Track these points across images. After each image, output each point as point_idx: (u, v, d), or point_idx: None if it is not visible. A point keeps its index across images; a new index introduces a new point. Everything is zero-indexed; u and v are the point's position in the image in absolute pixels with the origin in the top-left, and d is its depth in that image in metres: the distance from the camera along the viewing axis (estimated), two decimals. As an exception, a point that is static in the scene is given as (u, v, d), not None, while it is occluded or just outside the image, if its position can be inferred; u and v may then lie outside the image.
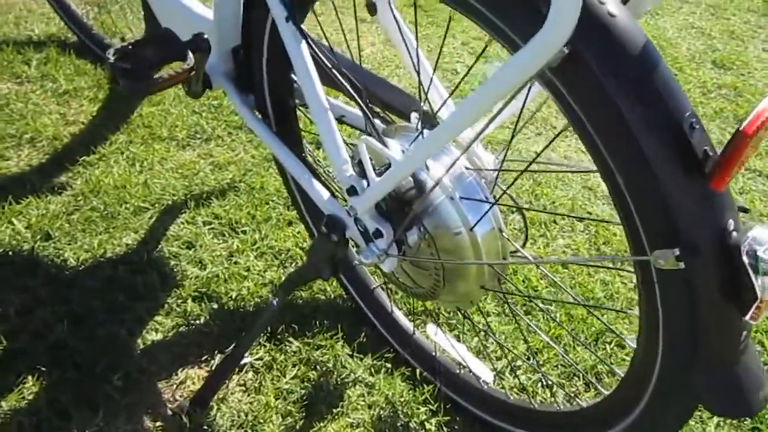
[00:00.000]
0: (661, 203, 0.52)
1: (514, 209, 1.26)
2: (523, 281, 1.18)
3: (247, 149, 1.43)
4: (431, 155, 0.69)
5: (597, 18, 0.50)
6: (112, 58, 0.83)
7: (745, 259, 0.51)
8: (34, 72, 1.56)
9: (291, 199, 1.13)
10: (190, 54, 0.87)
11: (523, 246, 0.81)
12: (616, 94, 0.51)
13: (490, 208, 0.69)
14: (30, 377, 0.93)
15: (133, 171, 1.33)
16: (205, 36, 0.91)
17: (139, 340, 1.01)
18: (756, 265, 0.50)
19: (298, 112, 1.01)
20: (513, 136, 0.77)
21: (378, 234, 0.73)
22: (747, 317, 0.52)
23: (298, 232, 1.23)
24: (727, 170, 0.49)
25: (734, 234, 0.52)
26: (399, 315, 1.05)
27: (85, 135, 1.41)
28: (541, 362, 1.04)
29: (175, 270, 1.14)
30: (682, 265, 0.52)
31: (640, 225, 0.55)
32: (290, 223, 1.25)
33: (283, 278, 1.13)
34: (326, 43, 0.91)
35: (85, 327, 1.01)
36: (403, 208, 0.72)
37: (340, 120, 0.99)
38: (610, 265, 1.15)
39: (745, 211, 0.56)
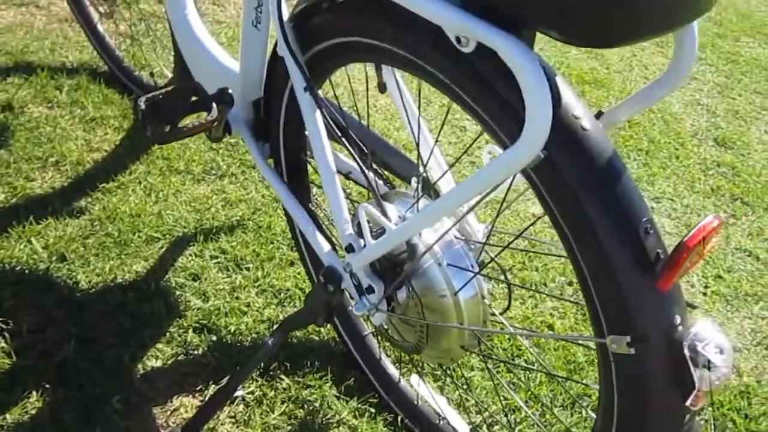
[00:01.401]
0: (618, 295, 0.60)
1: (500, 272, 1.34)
2: (508, 339, 1.25)
3: (258, 188, 1.52)
4: (422, 229, 0.77)
5: (571, 131, 0.59)
6: (143, 106, 0.93)
7: (686, 352, 0.58)
8: (64, 98, 1.67)
9: (294, 243, 1.21)
10: (215, 106, 0.97)
11: (505, 312, 0.88)
12: (583, 199, 0.59)
13: (473, 277, 0.77)
14: (35, 393, 1.00)
15: (148, 201, 1.42)
16: (230, 90, 1.00)
17: (141, 366, 1.09)
18: (696, 358, 0.58)
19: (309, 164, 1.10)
20: (498, 214, 0.85)
21: (370, 290, 0.81)
22: (687, 403, 0.59)
23: (299, 273, 1.31)
24: (671, 275, 0.57)
25: (679, 328, 0.60)
26: (387, 362, 1.12)
27: (107, 162, 1.51)
28: (518, 420, 1.11)
29: (179, 300, 1.22)
30: (632, 351, 0.60)
31: (600, 311, 0.62)
32: (292, 264, 1.33)
33: (281, 319, 1.20)
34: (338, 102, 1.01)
35: (92, 349, 1.09)
36: (395, 268, 0.80)
37: (347, 176, 1.08)
38: (579, 341, 1.21)
39: (693, 307, 0.64)
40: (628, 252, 0.59)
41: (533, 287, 1.37)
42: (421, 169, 0.86)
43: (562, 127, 0.58)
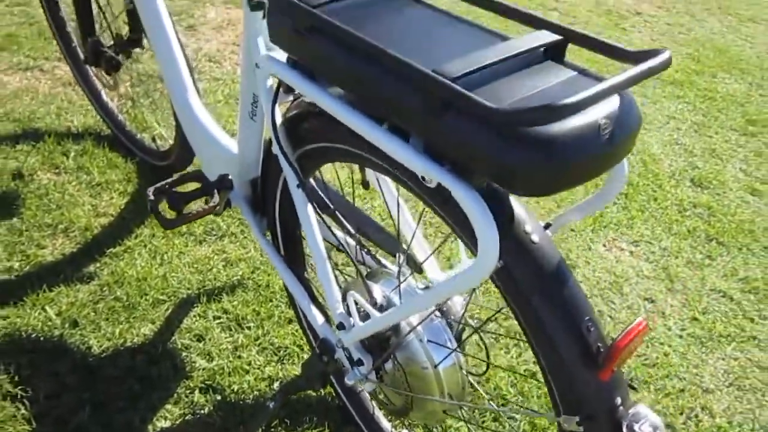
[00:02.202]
0: (568, 382, 0.70)
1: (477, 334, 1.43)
2: (494, 389, 1.34)
3: (257, 247, 1.62)
4: (404, 318, 0.87)
5: (523, 245, 0.70)
6: (151, 196, 1.03)
7: (625, 430, 0.68)
8: (71, 163, 1.78)
9: (292, 307, 1.31)
10: (216, 193, 1.07)
11: (484, 373, 0.98)
12: (535, 303, 0.69)
13: (451, 352, 0.87)
14: (55, 458, 1.09)
15: (154, 263, 1.52)
16: (229, 176, 1.11)
17: (150, 427, 1.18)
18: (634, 436, 0.68)
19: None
20: (473, 291, 0.96)
21: (360, 362, 0.90)
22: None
23: (296, 331, 1.40)
24: (609, 368, 0.68)
25: (620, 409, 0.70)
26: (380, 417, 1.22)
27: (113, 227, 1.61)
28: (504, 468, 1.20)
29: (185, 361, 1.31)
30: (581, 429, 0.70)
31: (555, 393, 0.72)
32: (290, 321, 1.43)
33: (281, 376, 1.30)
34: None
35: (104, 413, 1.18)
36: (381, 344, 0.90)
37: (339, 248, 1.19)
38: (536, 417, 1.29)
39: (634, 389, 0.75)
40: (574, 347, 0.69)
41: (517, 336, 1.46)
42: (402, 258, 0.97)
43: (515, 242, 0.69)
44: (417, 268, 1.01)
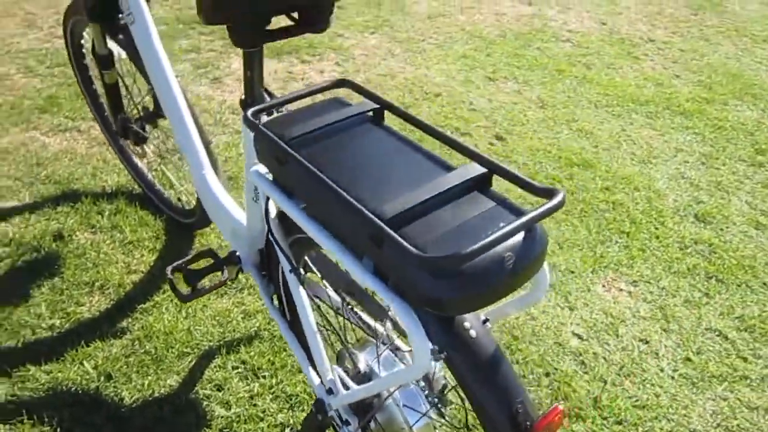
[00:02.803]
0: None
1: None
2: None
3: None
4: (382, 389, 1.00)
5: (462, 338, 0.82)
6: (169, 274, 1.19)
7: None
8: (106, 222, 1.97)
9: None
10: (226, 269, 1.23)
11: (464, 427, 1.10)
12: (473, 388, 0.82)
13: (423, 415, 0.99)
14: (92, 503, 1.25)
15: (180, 317, 1.68)
16: (237, 254, 1.27)
17: (175, 474, 1.33)
18: None
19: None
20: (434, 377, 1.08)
21: (348, 423, 1.04)
22: None
23: (306, 379, 1.54)
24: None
25: None
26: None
27: (144, 283, 1.78)
28: None
29: (206, 410, 1.47)
30: None
31: None
32: (300, 371, 1.57)
33: (292, 423, 1.44)
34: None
35: (135, 461, 1.34)
36: (365, 407, 1.03)
37: (337, 312, 1.33)
38: None
39: None
40: (508, 425, 0.81)
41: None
42: (386, 327, 1.10)
43: (456, 337, 0.82)
44: (402, 332, 1.14)
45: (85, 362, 1.54)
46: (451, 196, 0.82)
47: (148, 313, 1.69)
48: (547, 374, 1.62)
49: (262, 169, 0.99)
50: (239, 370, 1.57)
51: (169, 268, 1.20)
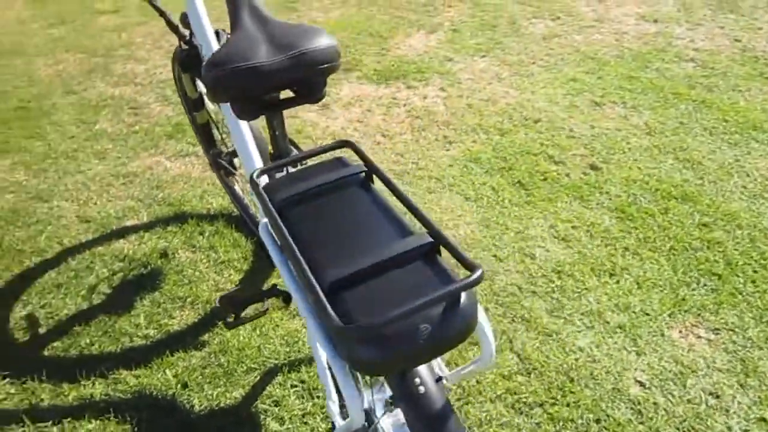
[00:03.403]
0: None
1: None
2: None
3: (338, 322, 1.89)
4: None
5: (411, 393, 0.88)
6: (218, 303, 1.35)
7: None
8: (205, 242, 2.21)
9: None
10: (266, 301, 1.37)
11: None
12: None
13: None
14: (152, 497, 1.44)
15: (253, 335, 1.86)
16: (278, 287, 1.40)
17: (225, 479, 1.49)
18: None
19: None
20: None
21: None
22: None
23: (358, 403, 1.65)
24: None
25: None
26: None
27: (228, 300, 1.98)
28: None
29: (263, 423, 1.62)
30: None
31: None
32: (354, 394, 1.68)
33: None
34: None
35: (192, 464, 1.52)
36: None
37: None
38: None
39: None
40: None
41: None
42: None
43: (405, 391, 0.88)
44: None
45: (167, 370, 1.76)
46: (397, 263, 0.88)
47: (227, 331, 1.88)
48: (598, 421, 1.59)
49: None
50: (297, 388, 1.71)
51: (218, 298, 1.36)
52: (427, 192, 2.43)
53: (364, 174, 1.07)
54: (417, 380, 0.89)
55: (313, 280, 0.84)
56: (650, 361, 1.74)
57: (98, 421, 1.62)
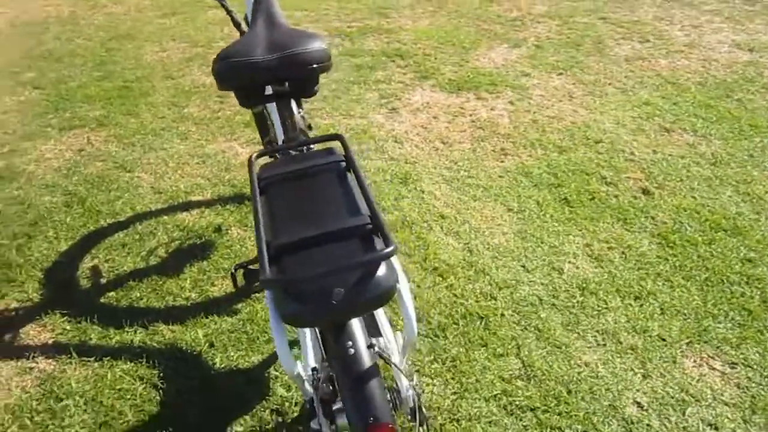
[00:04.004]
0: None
1: None
2: (501, 471, 1.54)
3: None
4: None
5: (341, 353, 1.00)
6: (233, 269, 1.52)
7: None
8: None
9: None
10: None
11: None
12: (344, 392, 0.99)
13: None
14: (162, 434, 1.63)
15: (281, 309, 2.03)
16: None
17: (229, 429, 1.66)
18: None
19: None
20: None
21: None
22: None
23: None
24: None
25: None
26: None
27: (265, 276, 2.16)
28: None
29: (272, 387, 1.77)
30: None
31: None
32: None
33: None
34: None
35: (217, 415, 1.70)
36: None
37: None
38: None
39: None
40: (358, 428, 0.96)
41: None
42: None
43: (337, 351, 1.00)
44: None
45: (199, 330, 1.96)
46: (336, 237, 1.00)
47: (258, 302, 2.06)
48: (583, 433, 1.63)
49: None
50: (310, 362, 1.85)
51: (234, 266, 1.52)
52: (472, 199, 2.52)
53: (343, 164, 1.20)
54: (349, 342, 1.01)
55: (263, 244, 0.98)
56: (654, 385, 1.75)
57: (132, 364, 1.84)
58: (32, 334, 1.96)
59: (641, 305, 1.99)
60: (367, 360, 1.01)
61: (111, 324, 1.98)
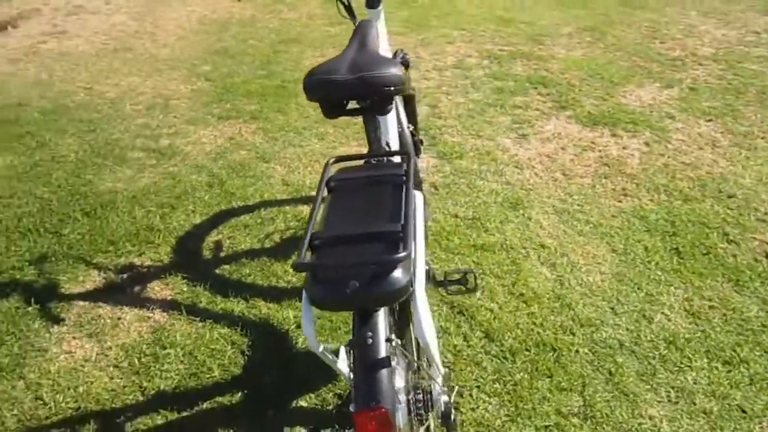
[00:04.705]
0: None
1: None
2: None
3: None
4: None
5: (360, 341, 1.13)
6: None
7: None
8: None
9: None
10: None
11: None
12: (355, 376, 1.11)
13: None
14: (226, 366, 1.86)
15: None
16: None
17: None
18: None
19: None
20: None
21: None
22: None
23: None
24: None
25: None
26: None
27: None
28: None
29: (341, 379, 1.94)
30: None
31: None
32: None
33: None
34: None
35: (290, 392, 1.90)
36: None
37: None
38: None
39: None
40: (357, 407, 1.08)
41: None
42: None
43: (357, 338, 1.13)
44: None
45: (290, 310, 2.17)
46: (368, 238, 1.13)
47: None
48: None
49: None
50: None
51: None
52: (577, 234, 2.53)
53: (403, 178, 1.33)
54: (369, 333, 1.14)
55: (308, 234, 1.14)
56: (719, 452, 1.69)
57: (229, 329, 2.10)
58: (156, 289, 2.30)
59: (729, 371, 1.91)
60: (381, 351, 1.13)
61: (219, 292, 2.26)
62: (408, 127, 2.20)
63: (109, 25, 5.29)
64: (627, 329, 2.07)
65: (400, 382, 1.22)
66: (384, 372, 1.13)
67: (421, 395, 1.39)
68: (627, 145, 3.19)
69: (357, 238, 1.15)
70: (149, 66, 4.39)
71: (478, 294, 2.21)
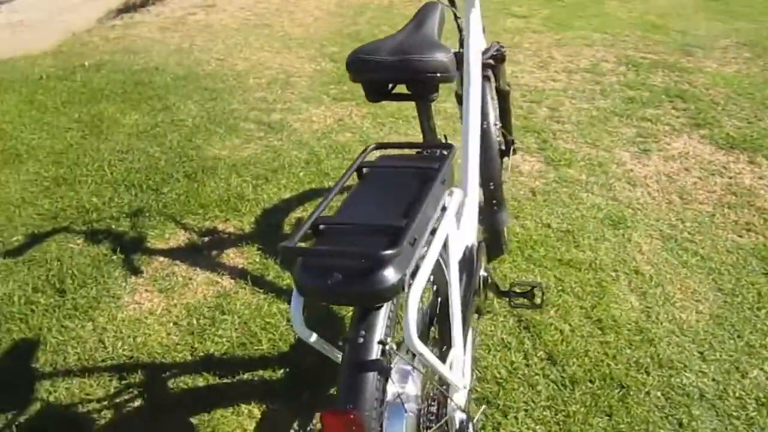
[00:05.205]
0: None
1: None
2: None
3: (502, 332, 2.01)
4: None
5: (352, 337, 1.05)
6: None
7: None
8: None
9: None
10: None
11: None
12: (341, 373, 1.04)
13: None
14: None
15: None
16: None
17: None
18: None
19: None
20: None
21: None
22: None
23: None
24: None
25: None
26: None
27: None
28: None
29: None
30: None
31: None
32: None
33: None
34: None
35: (329, 378, 1.88)
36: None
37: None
38: None
39: None
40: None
41: None
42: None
43: (350, 334, 1.05)
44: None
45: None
46: (368, 230, 1.05)
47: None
48: None
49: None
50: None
51: None
52: (681, 265, 2.28)
53: (434, 172, 1.23)
54: (363, 332, 1.06)
55: (310, 218, 1.07)
56: None
57: (287, 306, 2.10)
58: (231, 256, 2.36)
59: None
60: (372, 353, 1.05)
61: (288, 269, 2.27)
62: (495, 125, 2.08)
63: (254, 1, 5.55)
64: (713, 379, 1.83)
65: (396, 388, 1.14)
66: (370, 375, 1.05)
67: (435, 408, 1.30)
68: (765, 175, 2.83)
69: (359, 228, 1.08)
70: (281, 43, 4.54)
71: (551, 312, 2.06)
